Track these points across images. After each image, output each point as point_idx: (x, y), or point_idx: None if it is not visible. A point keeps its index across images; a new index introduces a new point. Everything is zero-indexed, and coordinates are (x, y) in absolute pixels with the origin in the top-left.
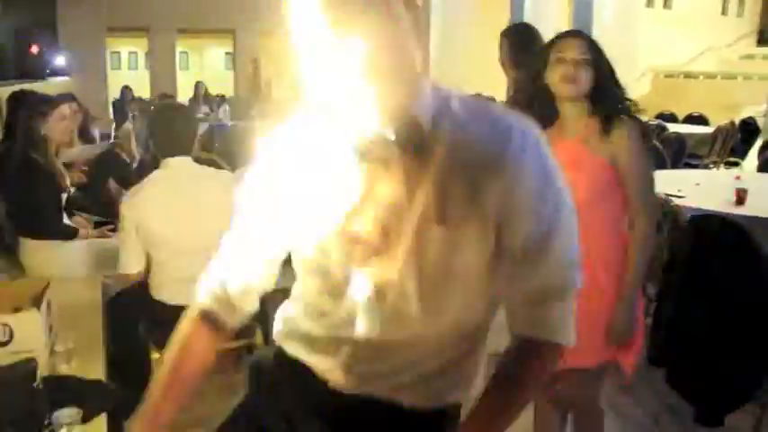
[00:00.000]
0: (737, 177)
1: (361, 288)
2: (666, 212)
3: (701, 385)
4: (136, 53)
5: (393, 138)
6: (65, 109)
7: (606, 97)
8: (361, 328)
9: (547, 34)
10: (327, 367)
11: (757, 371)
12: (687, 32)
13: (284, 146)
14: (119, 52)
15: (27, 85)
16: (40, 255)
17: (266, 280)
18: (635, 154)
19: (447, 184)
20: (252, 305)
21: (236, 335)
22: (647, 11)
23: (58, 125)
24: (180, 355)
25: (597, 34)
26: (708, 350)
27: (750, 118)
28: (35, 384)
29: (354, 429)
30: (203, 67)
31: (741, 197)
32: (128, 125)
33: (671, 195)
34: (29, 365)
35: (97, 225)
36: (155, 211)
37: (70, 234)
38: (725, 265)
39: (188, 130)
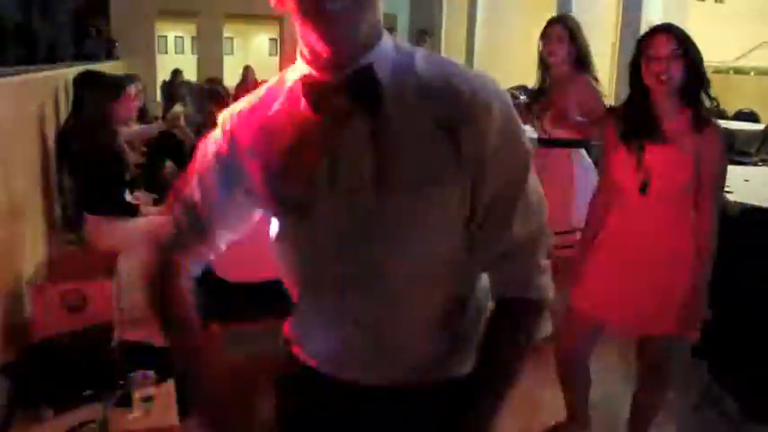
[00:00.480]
0: None
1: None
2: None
3: (746, 380)
4: (182, 38)
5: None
6: (132, 89)
7: (698, 93)
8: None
9: (594, 30)
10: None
11: None
12: (739, 27)
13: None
14: (165, 36)
15: (85, 68)
16: (103, 230)
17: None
18: (719, 154)
19: (410, 138)
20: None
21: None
22: (697, 5)
23: (125, 105)
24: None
25: (645, 30)
26: (755, 345)
27: None
28: (111, 347)
29: (384, 421)
30: (248, 52)
31: None
32: (178, 107)
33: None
34: (104, 329)
35: (156, 203)
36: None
37: (132, 211)
38: None
39: None
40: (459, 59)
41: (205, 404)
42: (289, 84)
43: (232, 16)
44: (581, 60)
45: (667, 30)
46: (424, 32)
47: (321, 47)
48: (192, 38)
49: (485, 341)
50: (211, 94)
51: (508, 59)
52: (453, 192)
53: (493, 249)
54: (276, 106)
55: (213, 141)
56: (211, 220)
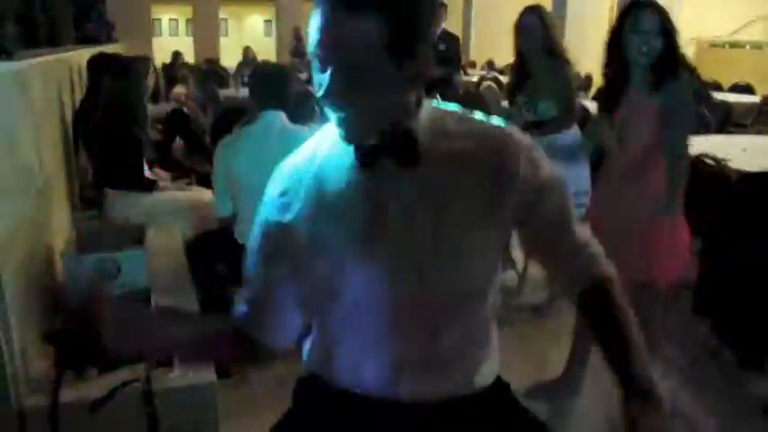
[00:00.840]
0: None
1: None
2: (716, 173)
3: (744, 333)
4: (176, 20)
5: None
6: (144, 65)
7: (675, 65)
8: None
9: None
10: (376, 385)
11: None
12: (734, 2)
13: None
14: (159, 19)
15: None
16: (123, 205)
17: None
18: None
19: (447, 188)
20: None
21: None
22: None
23: (140, 84)
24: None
25: None
26: (752, 301)
27: None
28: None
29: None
30: (242, 33)
31: None
32: (179, 88)
33: (718, 159)
34: (144, 294)
35: (174, 179)
36: (243, 159)
37: (151, 186)
38: None
39: (283, 85)
40: None
41: None
42: (325, 135)
43: None
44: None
45: (650, 5)
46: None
47: None
48: (187, 20)
49: (603, 332)
50: (212, 75)
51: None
52: (494, 229)
53: (564, 253)
54: (320, 157)
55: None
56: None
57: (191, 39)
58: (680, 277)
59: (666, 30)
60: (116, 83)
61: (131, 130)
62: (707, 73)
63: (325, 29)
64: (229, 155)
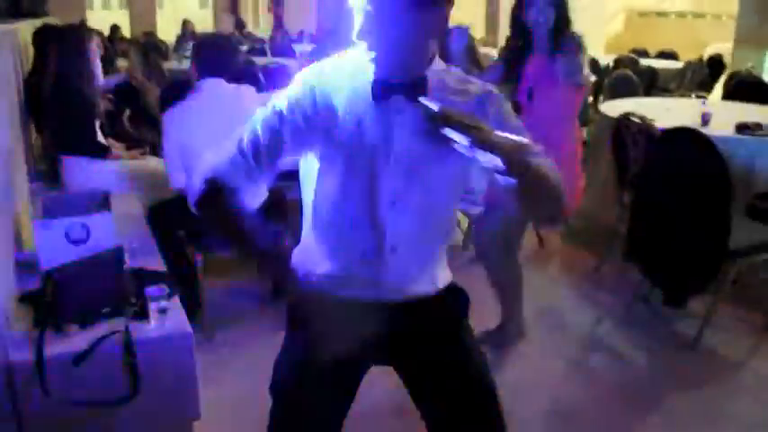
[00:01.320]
0: (703, 103)
1: (384, 197)
2: (641, 130)
3: (669, 274)
4: None
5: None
6: (94, 41)
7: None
8: (390, 227)
9: None
10: (361, 285)
11: (713, 266)
12: None
13: (322, 80)
14: None
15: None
16: (80, 173)
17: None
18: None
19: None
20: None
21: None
22: None
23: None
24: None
25: None
26: (675, 246)
27: (717, 54)
28: (122, 272)
29: (396, 330)
30: (177, 5)
31: (706, 119)
32: (121, 62)
33: (643, 118)
34: (117, 253)
35: (128, 149)
36: (192, 129)
37: (104, 150)
38: (693, 171)
39: (226, 54)
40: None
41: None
42: (355, 63)
43: None
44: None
45: None
46: None
47: None
48: None
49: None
50: (154, 48)
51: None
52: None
53: None
54: (347, 81)
55: (292, 93)
56: (271, 159)
57: (124, 12)
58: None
59: (557, 1)
60: (66, 54)
61: (84, 97)
62: (636, 40)
63: None
64: (177, 127)
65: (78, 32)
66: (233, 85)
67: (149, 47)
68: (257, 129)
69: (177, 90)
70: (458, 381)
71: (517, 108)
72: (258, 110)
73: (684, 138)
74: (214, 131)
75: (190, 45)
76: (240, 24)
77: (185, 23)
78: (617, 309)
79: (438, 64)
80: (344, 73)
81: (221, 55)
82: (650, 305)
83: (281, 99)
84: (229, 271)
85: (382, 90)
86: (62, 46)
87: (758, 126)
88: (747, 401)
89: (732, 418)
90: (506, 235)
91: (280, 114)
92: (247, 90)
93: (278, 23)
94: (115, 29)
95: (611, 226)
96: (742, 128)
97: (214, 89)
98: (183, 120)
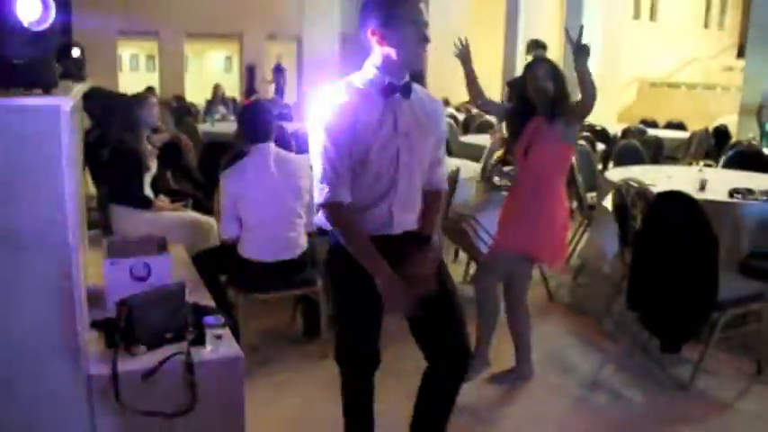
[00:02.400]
0: (700, 170)
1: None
2: (639, 194)
3: (664, 324)
4: (137, 55)
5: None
6: (153, 99)
7: (562, 101)
8: (400, 189)
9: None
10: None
11: (702, 315)
12: (672, 44)
13: (346, 103)
14: (120, 55)
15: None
16: (129, 222)
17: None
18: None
19: (421, 114)
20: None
21: (300, 284)
22: (633, 23)
23: (149, 113)
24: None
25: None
26: (670, 298)
27: (723, 125)
28: (184, 304)
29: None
30: (203, 69)
31: (703, 185)
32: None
33: (641, 182)
34: (180, 287)
35: (172, 202)
36: (249, 186)
37: (148, 203)
38: (684, 230)
39: (271, 122)
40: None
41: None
42: (358, 86)
43: (192, 35)
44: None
45: (543, 60)
46: None
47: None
48: (147, 56)
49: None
50: (186, 111)
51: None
52: (435, 136)
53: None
54: (357, 97)
55: (332, 127)
56: (347, 177)
57: (151, 74)
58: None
59: (555, 75)
60: (128, 121)
61: (140, 158)
62: (647, 110)
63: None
64: (237, 182)
65: (141, 101)
66: (281, 151)
67: (181, 110)
68: (336, 155)
69: (214, 151)
70: (441, 291)
71: (513, 161)
72: (319, 145)
73: (676, 201)
74: (267, 188)
75: (221, 108)
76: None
77: (216, 88)
78: (618, 355)
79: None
80: (356, 89)
81: (265, 120)
82: (648, 352)
83: (333, 128)
84: (266, 313)
85: (390, 90)
86: (125, 113)
87: (749, 191)
88: None
89: None
90: (515, 290)
91: (339, 139)
92: (292, 155)
93: (279, 92)
94: (150, 90)
95: (615, 282)
96: (734, 193)
97: (268, 152)
98: (240, 177)
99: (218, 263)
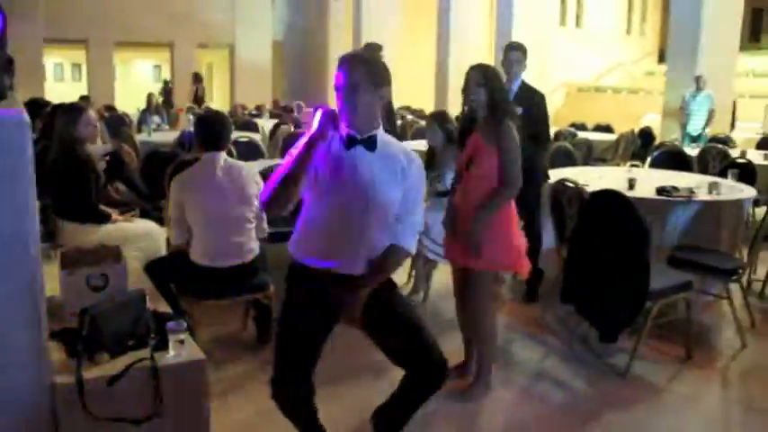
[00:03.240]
0: (629, 170)
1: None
2: (576, 193)
3: (602, 315)
4: (61, 64)
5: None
6: (92, 113)
7: (498, 107)
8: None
9: (470, 49)
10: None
11: (637, 305)
12: (597, 50)
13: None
14: (43, 64)
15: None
16: (78, 236)
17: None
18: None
19: (384, 166)
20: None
21: (252, 289)
22: (560, 29)
23: (89, 126)
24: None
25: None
26: (605, 290)
27: (647, 127)
28: (145, 311)
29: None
30: (130, 78)
31: (631, 184)
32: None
33: (578, 184)
34: (140, 292)
35: (121, 213)
36: (197, 193)
37: (106, 218)
38: (616, 226)
39: (224, 132)
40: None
41: None
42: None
43: (121, 44)
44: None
45: (475, 68)
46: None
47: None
48: (72, 64)
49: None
50: (120, 121)
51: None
52: (398, 190)
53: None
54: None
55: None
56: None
57: (78, 83)
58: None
59: (487, 85)
60: (72, 126)
61: (90, 166)
62: (576, 114)
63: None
64: (186, 190)
65: (82, 106)
66: (230, 159)
67: (115, 120)
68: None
69: (154, 161)
70: (393, 317)
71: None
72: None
73: (609, 199)
74: (215, 196)
75: (155, 118)
76: (198, 97)
77: (150, 97)
78: (560, 347)
79: (381, 129)
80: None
81: (220, 129)
82: (587, 343)
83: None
84: (219, 320)
85: (351, 142)
86: (69, 117)
87: (675, 189)
88: (670, 418)
89: (655, 429)
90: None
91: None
92: (241, 163)
93: (196, 100)
94: (86, 100)
95: (554, 279)
96: (661, 191)
97: (217, 160)
98: (189, 184)
99: (170, 271)
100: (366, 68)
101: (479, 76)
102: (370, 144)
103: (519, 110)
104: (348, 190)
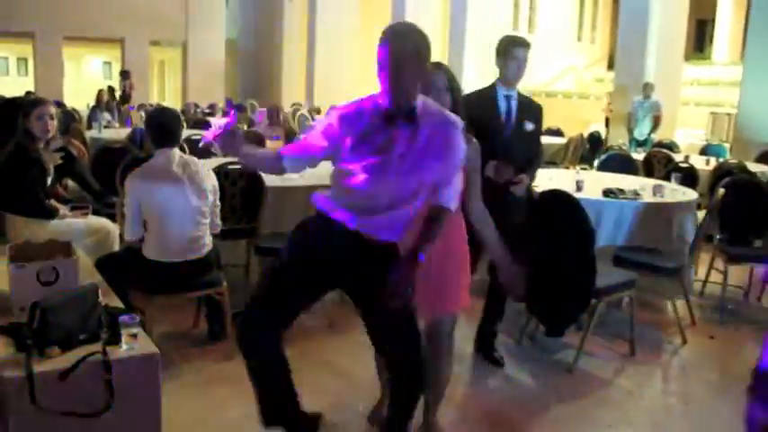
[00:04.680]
0: (578, 173)
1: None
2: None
3: (548, 311)
4: (6, 58)
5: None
6: (43, 109)
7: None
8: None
9: None
10: (347, 219)
11: (582, 302)
12: (548, 55)
13: (348, 111)
14: None
15: None
16: (27, 231)
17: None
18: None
19: (426, 139)
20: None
21: (205, 285)
22: (513, 33)
23: (37, 123)
24: (264, 152)
25: (469, 54)
26: (553, 287)
27: (596, 132)
28: (97, 305)
29: (358, 251)
30: (81, 75)
31: (579, 186)
32: None
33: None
34: (93, 286)
35: (72, 209)
36: (152, 189)
37: (54, 213)
38: (564, 225)
39: (176, 127)
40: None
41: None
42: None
43: (70, 38)
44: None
45: (440, 67)
46: None
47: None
48: (18, 59)
49: (426, 219)
50: (70, 117)
51: (342, 81)
52: (438, 161)
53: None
54: (363, 111)
55: (327, 119)
56: (308, 152)
57: (23, 78)
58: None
59: (451, 87)
60: (18, 120)
61: (40, 162)
62: None
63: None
64: (140, 184)
65: (38, 102)
66: (185, 155)
67: (65, 116)
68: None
69: (105, 157)
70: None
71: None
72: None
73: (557, 199)
74: (169, 190)
75: (105, 115)
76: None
77: (100, 93)
78: (509, 344)
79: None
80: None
81: (172, 125)
82: (535, 340)
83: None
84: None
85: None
86: (27, 113)
87: (620, 191)
88: (613, 409)
89: (600, 420)
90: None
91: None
92: (194, 159)
93: (123, 97)
94: (29, 95)
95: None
96: (608, 193)
97: (172, 156)
98: (144, 179)
99: (121, 266)
100: (412, 44)
101: (446, 79)
102: (410, 118)
103: (530, 126)
104: (385, 163)
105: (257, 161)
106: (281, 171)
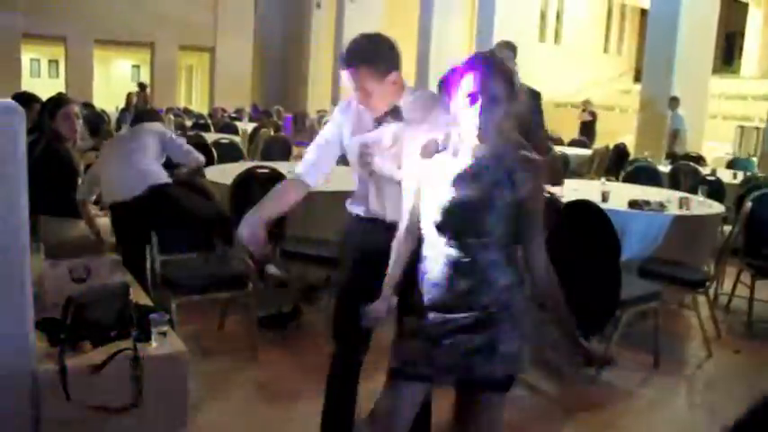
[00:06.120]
0: (603, 184)
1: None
2: (549, 203)
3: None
4: (38, 60)
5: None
6: (69, 109)
7: None
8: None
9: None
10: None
11: (607, 313)
12: (574, 67)
13: (345, 113)
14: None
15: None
16: (61, 231)
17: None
18: None
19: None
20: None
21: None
22: (539, 45)
23: (64, 122)
24: (281, 191)
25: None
26: (577, 298)
27: (621, 143)
28: (128, 303)
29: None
30: (110, 77)
31: (605, 197)
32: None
33: (551, 193)
34: (124, 284)
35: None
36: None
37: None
38: (588, 237)
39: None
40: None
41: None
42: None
43: (101, 41)
44: None
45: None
46: None
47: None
48: (49, 61)
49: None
50: (99, 119)
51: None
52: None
53: None
54: (351, 113)
55: (331, 124)
56: (324, 162)
57: (54, 80)
58: None
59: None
60: (47, 121)
61: (71, 162)
62: (552, 129)
63: None
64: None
65: (63, 101)
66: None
67: (93, 117)
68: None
69: None
70: None
71: None
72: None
73: (583, 210)
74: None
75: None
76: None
77: (129, 96)
78: (534, 354)
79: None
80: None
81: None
82: (559, 350)
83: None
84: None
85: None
86: (53, 113)
87: (647, 203)
88: (638, 420)
89: (624, 431)
90: None
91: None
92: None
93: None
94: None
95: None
96: (633, 204)
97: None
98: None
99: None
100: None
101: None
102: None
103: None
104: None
105: (282, 207)
106: (306, 191)
